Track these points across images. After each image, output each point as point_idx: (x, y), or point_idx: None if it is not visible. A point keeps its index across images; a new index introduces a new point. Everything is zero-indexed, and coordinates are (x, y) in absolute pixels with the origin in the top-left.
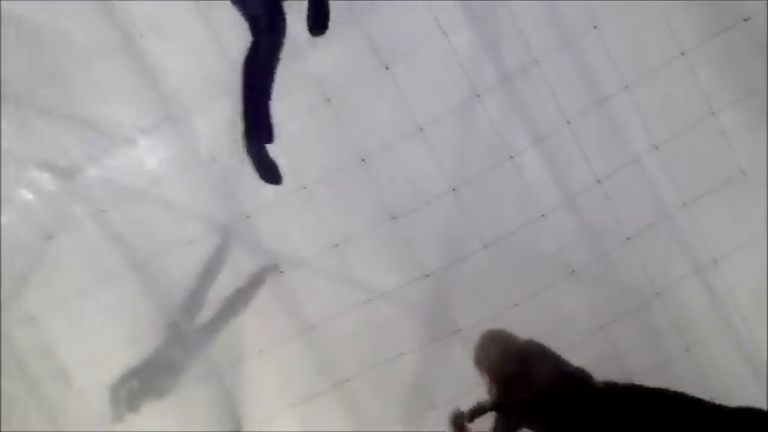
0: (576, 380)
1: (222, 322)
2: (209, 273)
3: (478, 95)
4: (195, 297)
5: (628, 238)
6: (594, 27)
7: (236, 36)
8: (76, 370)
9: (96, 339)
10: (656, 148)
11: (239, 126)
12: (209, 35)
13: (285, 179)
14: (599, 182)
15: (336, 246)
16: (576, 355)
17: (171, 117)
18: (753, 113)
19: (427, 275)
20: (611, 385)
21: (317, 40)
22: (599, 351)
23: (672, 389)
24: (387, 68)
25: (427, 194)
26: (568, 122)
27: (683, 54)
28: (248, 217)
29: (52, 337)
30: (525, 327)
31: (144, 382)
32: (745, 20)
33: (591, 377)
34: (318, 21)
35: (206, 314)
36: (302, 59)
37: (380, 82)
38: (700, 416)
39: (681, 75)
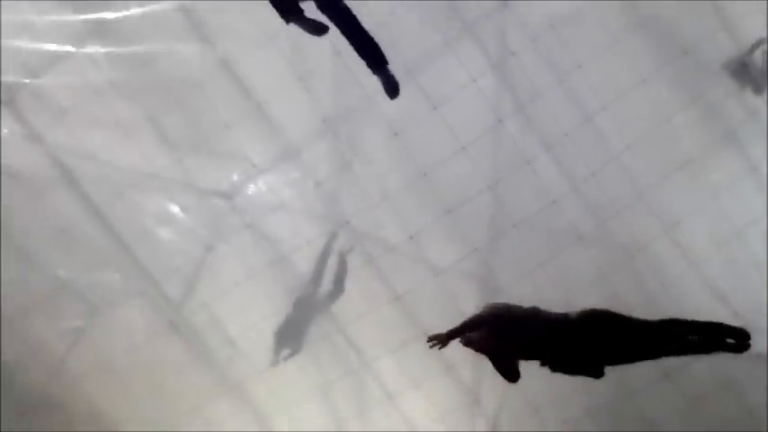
0: (553, 317)
1: (334, 297)
2: (322, 263)
3: (501, 121)
4: (315, 280)
5: (617, 212)
6: (579, 66)
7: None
8: (239, 338)
9: (251, 315)
10: (629, 147)
11: (337, 156)
12: (312, 99)
13: (373, 193)
14: (593, 174)
15: (412, 237)
16: (586, 294)
17: (288, 154)
18: (699, 118)
19: (476, 249)
20: (584, 313)
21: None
22: (601, 292)
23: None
24: (435, 109)
25: (471, 191)
26: (566, 135)
27: (643, 81)
28: (347, 222)
29: (220, 317)
30: (548, 279)
31: (286, 341)
32: (685, 53)
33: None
34: (392, 89)
35: (323, 292)
36: (377, 106)
37: (432, 119)
38: (637, 326)
39: (643, 96)
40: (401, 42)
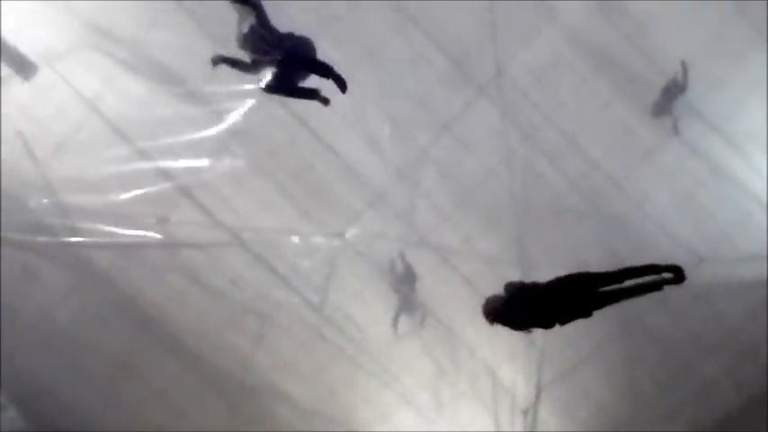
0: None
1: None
2: (409, 268)
3: (514, 151)
4: (408, 280)
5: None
6: (560, 104)
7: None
8: (367, 328)
9: (373, 310)
10: (603, 153)
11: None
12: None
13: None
14: (583, 175)
15: (467, 240)
16: (585, 248)
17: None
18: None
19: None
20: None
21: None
22: (594, 245)
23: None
24: (466, 147)
25: (501, 201)
26: (560, 152)
27: (606, 105)
28: (422, 237)
29: (353, 316)
30: (552, 241)
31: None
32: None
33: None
34: (343, 84)
35: (413, 287)
36: (428, 156)
37: (463, 154)
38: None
39: (608, 115)
40: (436, 104)
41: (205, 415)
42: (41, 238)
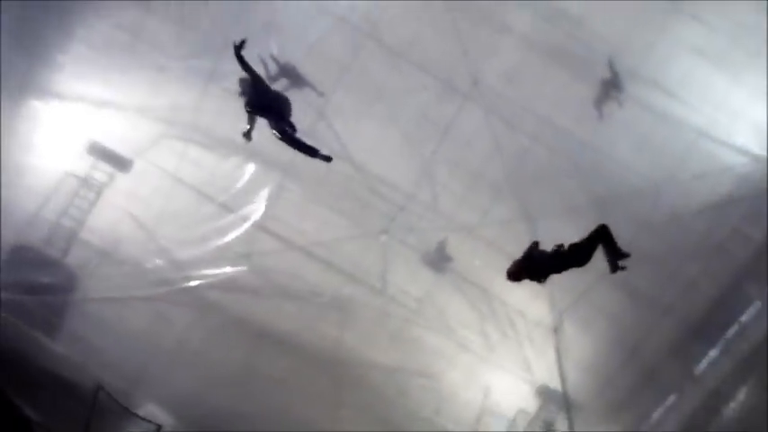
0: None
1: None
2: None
3: (500, 144)
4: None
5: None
6: (531, 93)
7: None
8: (424, 299)
9: (423, 284)
10: (574, 123)
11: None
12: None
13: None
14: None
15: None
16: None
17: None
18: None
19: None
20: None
21: None
22: (579, 193)
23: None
24: (468, 144)
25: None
26: (538, 134)
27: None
28: (449, 220)
29: (409, 292)
30: (546, 197)
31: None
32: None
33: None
34: (329, 160)
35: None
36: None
37: (466, 151)
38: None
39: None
40: (434, 117)
41: (315, 390)
42: (162, 289)
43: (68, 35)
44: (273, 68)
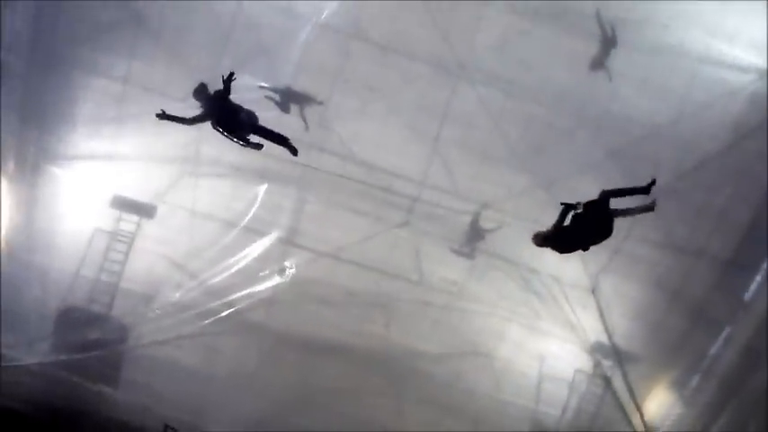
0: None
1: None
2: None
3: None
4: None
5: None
6: (522, 60)
7: None
8: (459, 281)
9: (456, 267)
10: (570, 86)
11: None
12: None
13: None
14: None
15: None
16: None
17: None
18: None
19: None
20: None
21: None
22: (592, 148)
23: None
24: (469, 125)
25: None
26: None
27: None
28: (466, 198)
29: (446, 277)
30: (562, 157)
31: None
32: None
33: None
34: (295, 152)
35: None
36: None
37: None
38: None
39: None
40: (432, 102)
41: (372, 391)
42: (207, 321)
43: (69, 98)
44: (269, 93)
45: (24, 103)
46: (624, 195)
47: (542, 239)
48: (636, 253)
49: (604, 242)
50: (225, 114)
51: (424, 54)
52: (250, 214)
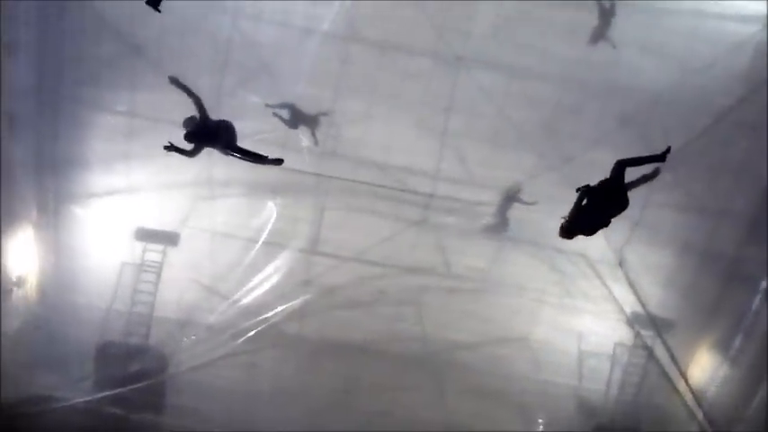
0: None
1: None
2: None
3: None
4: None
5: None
6: (521, 42)
7: None
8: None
9: (482, 254)
10: (575, 57)
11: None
12: None
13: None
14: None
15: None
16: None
17: None
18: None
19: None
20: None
21: None
22: (605, 117)
23: None
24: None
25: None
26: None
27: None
28: (486, 186)
29: (472, 266)
30: (575, 129)
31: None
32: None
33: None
34: (280, 163)
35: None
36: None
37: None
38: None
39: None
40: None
41: (413, 388)
42: (243, 339)
43: (79, 138)
44: (275, 110)
45: (39, 151)
46: (640, 164)
47: (568, 231)
48: (658, 220)
49: (624, 214)
50: (196, 125)
51: (422, 48)
52: (269, 229)
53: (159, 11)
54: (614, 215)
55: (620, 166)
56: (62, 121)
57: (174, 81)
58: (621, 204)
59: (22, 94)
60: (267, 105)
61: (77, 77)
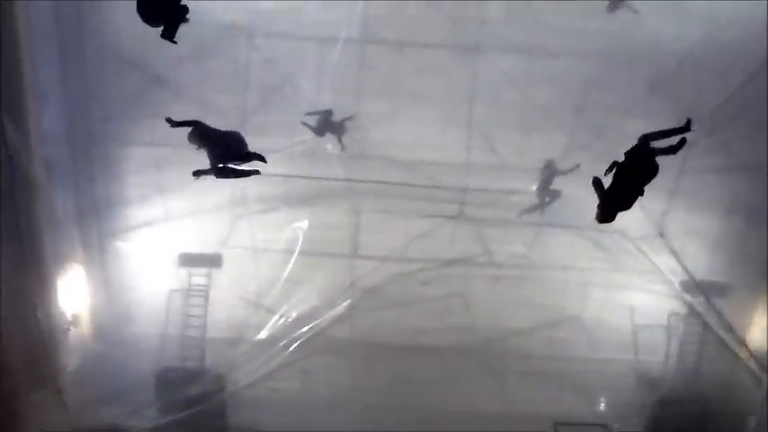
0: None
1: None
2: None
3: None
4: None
5: None
6: (537, 21)
7: None
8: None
9: (522, 238)
10: (595, 30)
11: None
12: None
13: None
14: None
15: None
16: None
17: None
18: None
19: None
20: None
21: None
22: (625, 85)
23: None
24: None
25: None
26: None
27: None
28: (518, 170)
29: (513, 252)
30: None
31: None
32: None
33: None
34: (263, 159)
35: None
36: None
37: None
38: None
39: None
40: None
41: (470, 379)
42: (296, 349)
43: (113, 175)
44: (302, 120)
45: (77, 192)
46: (665, 137)
47: (604, 214)
48: (696, 185)
49: (659, 185)
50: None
51: (439, 40)
52: (307, 238)
53: (175, 42)
54: (646, 182)
55: (645, 140)
56: (96, 161)
57: (169, 121)
58: (652, 171)
59: (53, 138)
60: (302, 121)
61: (104, 114)
